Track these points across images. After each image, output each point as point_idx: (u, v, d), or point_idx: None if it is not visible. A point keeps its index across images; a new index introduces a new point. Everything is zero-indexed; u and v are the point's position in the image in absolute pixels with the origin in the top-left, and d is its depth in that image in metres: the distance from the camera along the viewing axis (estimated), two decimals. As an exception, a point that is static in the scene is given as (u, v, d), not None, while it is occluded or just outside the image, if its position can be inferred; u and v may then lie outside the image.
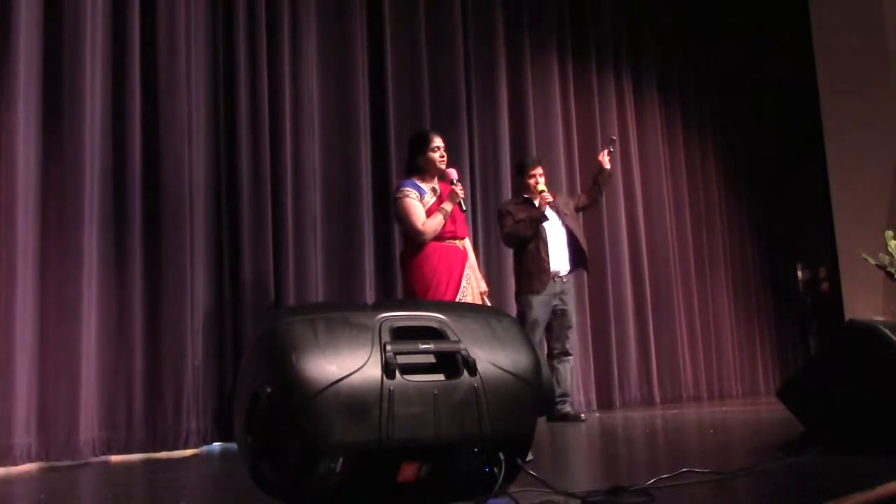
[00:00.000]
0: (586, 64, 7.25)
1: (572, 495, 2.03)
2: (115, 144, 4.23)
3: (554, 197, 5.25)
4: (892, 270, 7.20)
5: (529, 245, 5.19)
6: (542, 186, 5.19)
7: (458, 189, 4.28)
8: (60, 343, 3.89)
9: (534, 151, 6.44)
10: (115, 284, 4.15)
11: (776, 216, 9.36)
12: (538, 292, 5.13)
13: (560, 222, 5.29)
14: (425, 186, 4.32)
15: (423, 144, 4.32)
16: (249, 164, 4.71)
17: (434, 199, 4.31)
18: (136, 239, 4.22)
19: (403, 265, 4.36)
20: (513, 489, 2.05)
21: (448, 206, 4.25)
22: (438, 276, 4.17)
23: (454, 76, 6.04)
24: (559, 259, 5.23)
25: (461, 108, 6.04)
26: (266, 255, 4.70)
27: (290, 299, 4.75)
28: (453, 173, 4.34)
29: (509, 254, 5.59)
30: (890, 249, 7.15)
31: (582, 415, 5.33)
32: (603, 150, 5.51)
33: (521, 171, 5.41)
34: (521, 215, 5.20)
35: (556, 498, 2.05)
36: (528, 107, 6.58)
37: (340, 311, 2.01)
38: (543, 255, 5.15)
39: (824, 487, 2.22)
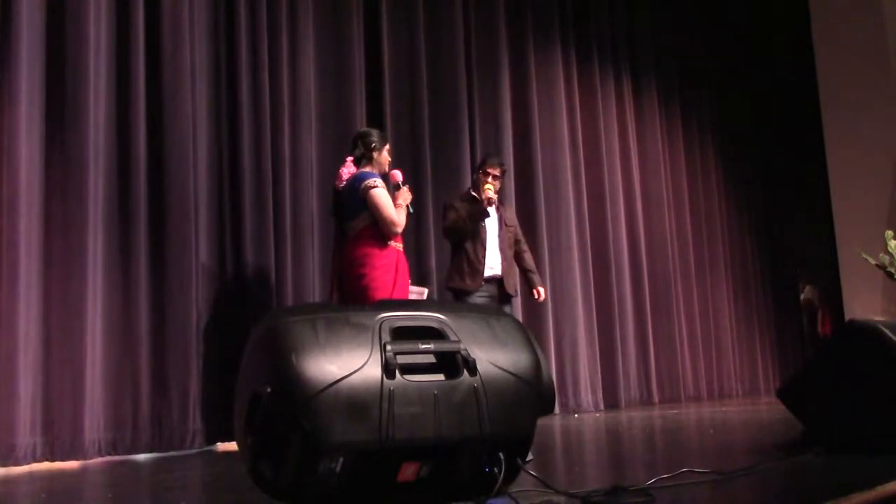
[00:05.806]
0: (589, 63, 7.24)
1: (572, 495, 2.03)
2: (119, 143, 4.23)
3: (497, 206, 5.09)
4: (892, 270, 7.21)
5: (466, 244, 5.08)
6: (489, 186, 4.99)
7: (407, 190, 4.20)
8: (65, 342, 3.89)
9: (538, 152, 6.43)
10: (120, 283, 4.14)
11: (776, 216, 9.35)
12: (469, 292, 4.92)
13: (497, 230, 5.07)
14: None
15: (382, 143, 4.24)
16: (252, 165, 4.70)
17: None
18: (141, 237, 4.21)
19: (355, 260, 4.00)
20: (513, 489, 2.05)
21: (403, 205, 4.16)
22: (400, 277, 4.06)
23: (455, 76, 6.03)
24: (494, 263, 5.00)
25: (462, 109, 6.02)
26: (268, 255, 4.70)
27: (288, 300, 4.74)
28: (398, 175, 4.26)
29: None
30: (890, 249, 7.16)
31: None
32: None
33: (479, 166, 5.19)
34: (463, 212, 5.00)
35: (556, 498, 2.05)
36: (532, 108, 6.55)
37: (340, 311, 2.01)
38: (480, 256, 4.98)
39: (824, 487, 2.22)
